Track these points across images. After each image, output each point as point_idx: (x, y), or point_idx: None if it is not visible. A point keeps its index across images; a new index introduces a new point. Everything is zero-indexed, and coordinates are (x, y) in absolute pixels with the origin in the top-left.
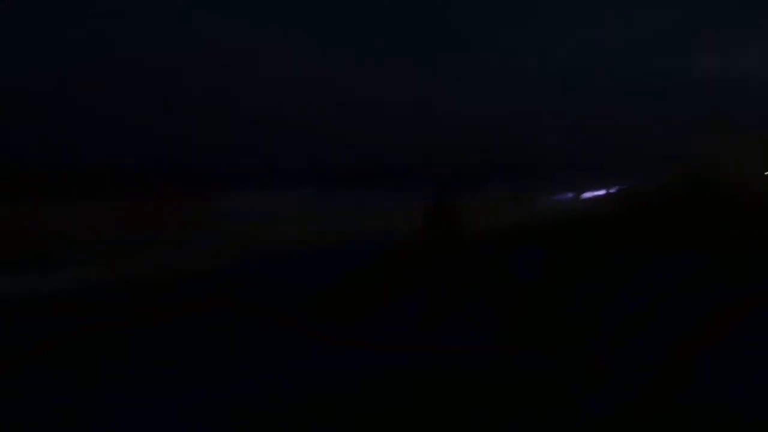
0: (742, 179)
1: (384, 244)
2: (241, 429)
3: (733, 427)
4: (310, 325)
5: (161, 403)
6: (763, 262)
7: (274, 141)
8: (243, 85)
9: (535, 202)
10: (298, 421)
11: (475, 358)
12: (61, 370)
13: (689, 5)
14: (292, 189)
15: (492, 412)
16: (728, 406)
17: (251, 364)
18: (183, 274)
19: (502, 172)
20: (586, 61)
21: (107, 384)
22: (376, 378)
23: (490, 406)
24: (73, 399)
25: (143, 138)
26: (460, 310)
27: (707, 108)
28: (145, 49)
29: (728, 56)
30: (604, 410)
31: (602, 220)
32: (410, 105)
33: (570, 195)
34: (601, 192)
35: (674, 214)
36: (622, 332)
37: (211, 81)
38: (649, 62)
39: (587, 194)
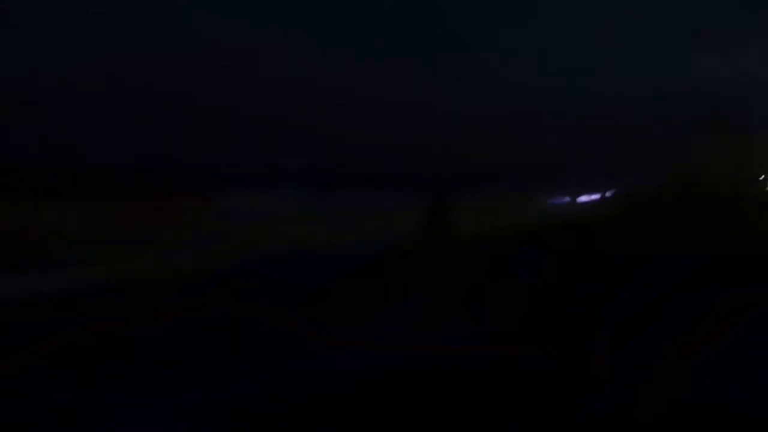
0: (741, 180)
1: (384, 245)
2: (241, 429)
3: (733, 427)
4: (310, 325)
5: (161, 403)
6: (763, 262)
7: (274, 141)
8: (243, 85)
9: (535, 203)
10: (298, 421)
11: (475, 358)
12: (61, 370)
13: (688, 6)
14: (292, 189)
15: (492, 412)
16: (728, 406)
17: (251, 364)
18: (183, 274)
19: (501, 173)
20: (586, 62)
21: (107, 384)
22: (376, 378)
23: (490, 406)
24: (73, 399)
25: (143, 138)
26: (460, 310)
27: (707, 109)
28: (145, 49)
29: (728, 56)
30: (604, 410)
31: (602, 221)
32: (410, 106)
33: (570, 195)
34: (601, 192)
35: (674, 214)
36: (622, 332)
37: (211, 81)
38: (649, 63)
39: (587, 194)
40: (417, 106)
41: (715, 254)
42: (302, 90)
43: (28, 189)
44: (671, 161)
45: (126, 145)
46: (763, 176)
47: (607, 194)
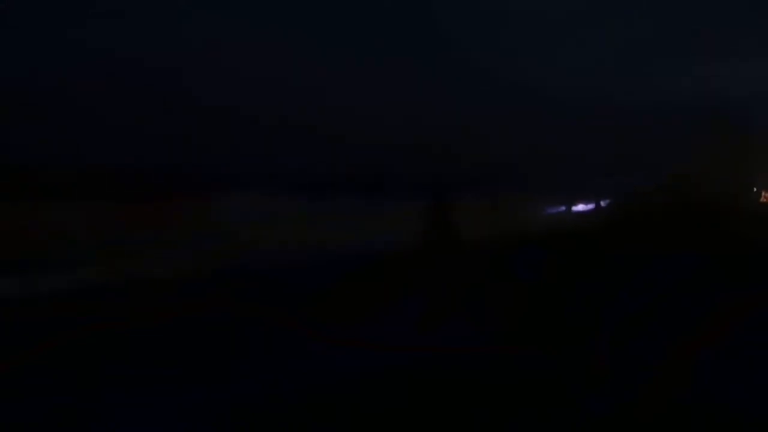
0: (740, 181)
1: (384, 245)
2: (241, 429)
3: (733, 427)
4: (310, 325)
5: (161, 403)
6: (763, 262)
7: (274, 142)
8: (243, 85)
9: (535, 203)
10: (298, 421)
11: (475, 358)
12: (61, 370)
13: (687, 10)
14: (293, 190)
15: (492, 412)
16: (728, 406)
17: (251, 364)
18: (183, 274)
19: (501, 174)
20: (586, 62)
21: (107, 384)
22: (376, 378)
23: (490, 406)
24: (73, 399)
25: (143, 138)
26: (460, 310)
27: (707, 110)
28: (145, 49)
29: (728, 57)
30: (604, 410)
31: (602, 221)
32: (410, 106)
33: (569, 196)
34: (601, 192)
35: (673, 215)
36: (622, 332)
37: (211, 81)
38: (649, 66)
39: (587, 194)
40: (417, 107)
41: (715, 254)
42: (302, 90)
43: (28, 189)
44: (671, 162)
45: (126, 145)
46: (755, 188)
47: (607, 195)
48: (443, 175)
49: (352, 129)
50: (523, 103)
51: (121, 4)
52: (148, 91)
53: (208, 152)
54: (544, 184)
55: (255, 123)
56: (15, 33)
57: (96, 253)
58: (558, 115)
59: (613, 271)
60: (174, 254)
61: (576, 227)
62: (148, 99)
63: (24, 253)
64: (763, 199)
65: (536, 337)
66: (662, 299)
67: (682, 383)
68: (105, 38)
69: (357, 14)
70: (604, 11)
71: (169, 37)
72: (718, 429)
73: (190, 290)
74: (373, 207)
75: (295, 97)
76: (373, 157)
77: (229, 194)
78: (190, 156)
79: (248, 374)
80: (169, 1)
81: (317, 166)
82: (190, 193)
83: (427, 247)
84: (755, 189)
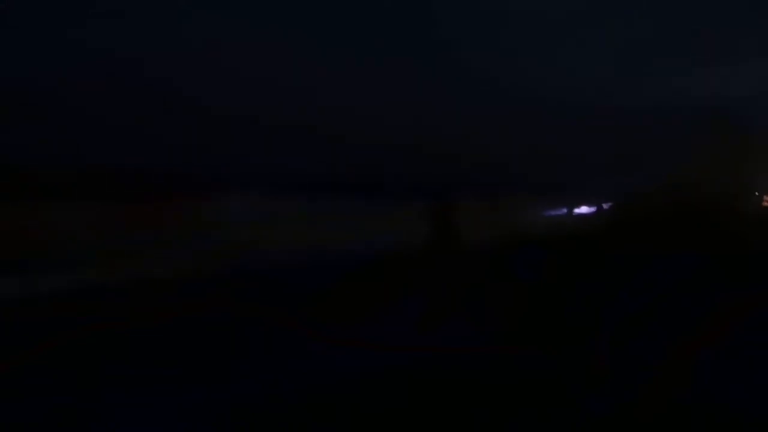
0: (739, 182)
1: (384, 245)
2: (241, 429)
3: (733, 427)
4: (310, 325)
5: (161, 403)
6: (763, 262)
7: (274, 142)
8: (243, 85)
9: (535, 204)
10: (298, 421)
11: (475, 358)
12: (61, 370)
13: (687, 11)
14: (293, 190)
15: (492, 412)
16: (728, 406)
17: (251, 364)
18: (183, 274)
19: (502, 174)
20: (586, 63)
21: (107, 384)
22: (376, 378)
23: (490, 406)
24: (73, 399)
25: (143, 139)
26: (460, 310)
27: (707, 110)
28: (145, 49)
29: (729, 57)
30: (604, 410)
31: (602, 221)
32: (410, 106)
33: (570, 196)
34: (601, 193)
35: (673, 215)
36: (622, 332)
37: (211, 82)
38: (649, 66)
39: (587, 194)
40: (417, 107)
41: (715, 254)
42: (302, 90)
43: (28, 189)
44: (671, 163)
45: (126, 145)
46: (757, 192)
47: (608, 195)
48: (443, 175)
49: (352, 129)
50: (523, 104)
51: (121, 4)
52: (148, 91)
53: (208, 152)
54: (544, 185)
55: (255, 123)
56: (15, 33)
57: (96, 253)
58: (558, 115)
59: (613, 271)
60: (174, 254)
61: (576, 227)
62: (148, 99)
63: (24, 253)
64: (765, 203)
65: (536, 337)
66: (662, 299)
67: (682, 383)
68: (105, 38)
69: (357, 14)
70: (604, 11)
71: (169, 37)
72: (718, 429)
73: (190, 290)
74: (373, 207)
75: (295, 97)
76: (373, 158)
77: (229, 194)
78: (189, 156)
79: (248, 374)
80: (169, 1)
81: (317, 166)
82: (190, 193)
83: (427, 247)
84: (757, 193)
